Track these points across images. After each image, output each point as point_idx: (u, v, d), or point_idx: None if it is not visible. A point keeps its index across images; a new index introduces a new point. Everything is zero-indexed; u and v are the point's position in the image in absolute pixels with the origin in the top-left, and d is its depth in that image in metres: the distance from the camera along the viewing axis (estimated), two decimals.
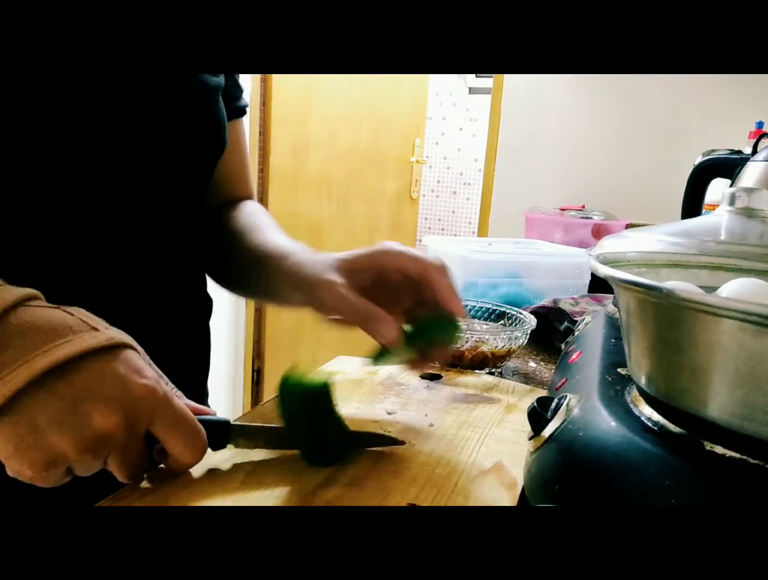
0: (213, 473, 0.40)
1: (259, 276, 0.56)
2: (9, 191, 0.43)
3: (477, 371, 0.65)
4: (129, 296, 0.50)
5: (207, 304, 0.64)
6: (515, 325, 0.71)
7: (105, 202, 0.47)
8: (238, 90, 0.66)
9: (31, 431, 0.31)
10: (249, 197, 0.71)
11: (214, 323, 0.64)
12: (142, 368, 0.35)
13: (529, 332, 0.66)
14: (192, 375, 0.61)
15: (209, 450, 0.40)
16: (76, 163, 0.45)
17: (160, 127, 0.49)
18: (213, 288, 0.65)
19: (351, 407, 0.52)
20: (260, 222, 0.61)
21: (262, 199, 2.04)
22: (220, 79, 0.57)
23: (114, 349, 0.35)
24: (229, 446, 0.42)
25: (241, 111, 0.67)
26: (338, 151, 2.25)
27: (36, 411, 0.31)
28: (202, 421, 0.39)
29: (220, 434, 0.41)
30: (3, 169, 0.42)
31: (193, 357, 0.62)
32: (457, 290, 0.46)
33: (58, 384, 0.32)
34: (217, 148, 0.57)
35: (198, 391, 0.63)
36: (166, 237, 0.54)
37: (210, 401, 0.69)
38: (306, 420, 0.42)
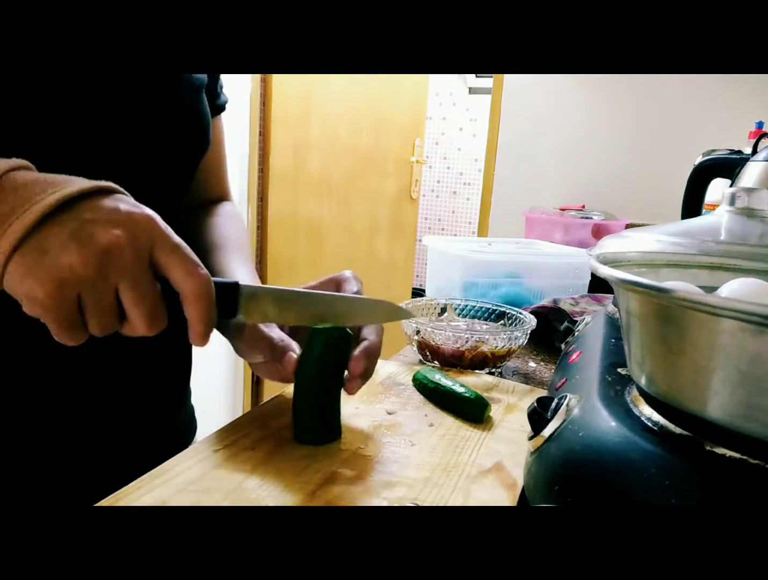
0: (213, 473, 0.40)
1: None
2: None
3: (477, 371, 0.65)
4: None
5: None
6: (515, 325, 0.71)
7: None
8: (219, 86, 0.65)
9: (41, 254, 0.33)
10: (224, 197, 0.71)
11: None
12: (141, 205, 0.37)
13: (529, 332, 0.66)
14: (173, 375, 0.61)
15: (217, 339, 0.41)
16: (61, 158, 0.44)
17: (144, 124, 0.49)
18: None
19: (351, 407, 0.52)
20: (226, 240, 0.61)
21: (262, 199, 2.04)
22: (203, 76, 0.57)
23: (112, 191, 0.37)
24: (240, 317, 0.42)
25: (221, 108, 0.66)
26: (338, 152, 2.25)
27: (44, 240, 0.34)
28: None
29: (229, 297, 0.41)
30: None
31: (174, 356, 0.61)
32: (373, 355, 0.46)
33: (64, 217, 0.34)
34: (201, 146, 0.57)
35: (179, 390, 0.63)
36: None
37: (210, 401, 0.69)
38: (331, 366, 0.44)
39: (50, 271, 0.33)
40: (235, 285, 0.41)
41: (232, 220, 0.66)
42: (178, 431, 0.62)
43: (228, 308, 0.41)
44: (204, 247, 0.60)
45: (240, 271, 0.56)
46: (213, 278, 0.39)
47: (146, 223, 0.36)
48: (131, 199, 0.37)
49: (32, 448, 0.48)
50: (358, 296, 0.47)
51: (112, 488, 0.37)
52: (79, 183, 0.35)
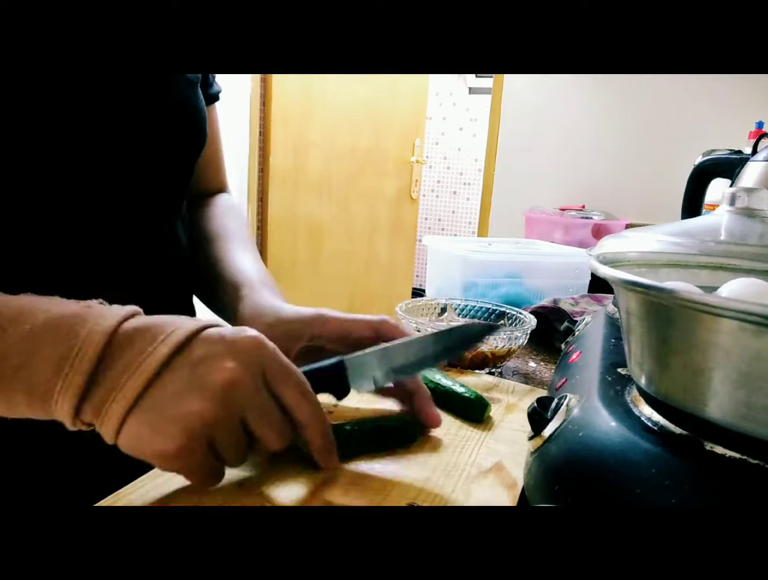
0: None
1: (212, 297, 0.57)
2: None
3: (477, 371, 0.65)
4: (111, 295, 0.50)
5: (190, 310, 0.63)
6: (515, 325, 0.71)
7: (87, 199, 0.47)
8: (210, 76, 0.65)
9: (161, 408, 0.32)
10: (223, 190, 0.70)
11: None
12: (245, 329, 0.37)
13: (529, 332, 0.66)
14: None
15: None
16: (58, 160, 0.44)
17: (141, 122, 0.49)
18: None
19: (351, 408, 0.52)
20: (226, 229, 0.61)
21: (262, 199, 2.04)
22: None
23: (213, 326, 0.37)
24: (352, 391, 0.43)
25: (215, 97, 0.66)
26: (338, 152, 2.25)
27: (162, 392, 0.33)
28: (313, 370, 0.41)
29: (336, 377, 0.42)
30: None
31: None
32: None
33: (176, 363, 0.34)
34: (198, 141, 0.57)
35: None
36: (152, 235, 0.53)
37: None
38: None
39: (177, 423, 0.32)
40: (340, 363, 0.42)
41: (230, 211, 0.66)
42: None
43: (340, 388, 0.42)
44: (203, 238, 0.61)
45: (245, 259, 0.56)
46: (316, 365, 0.41)
47: (254, 348, 0.36)
48: (231, 328, 0.37)
49: (35, 447, 0.48)
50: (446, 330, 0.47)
51: (118, 486, 0.37)
52: (185, 325, 0.35)
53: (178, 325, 0.35)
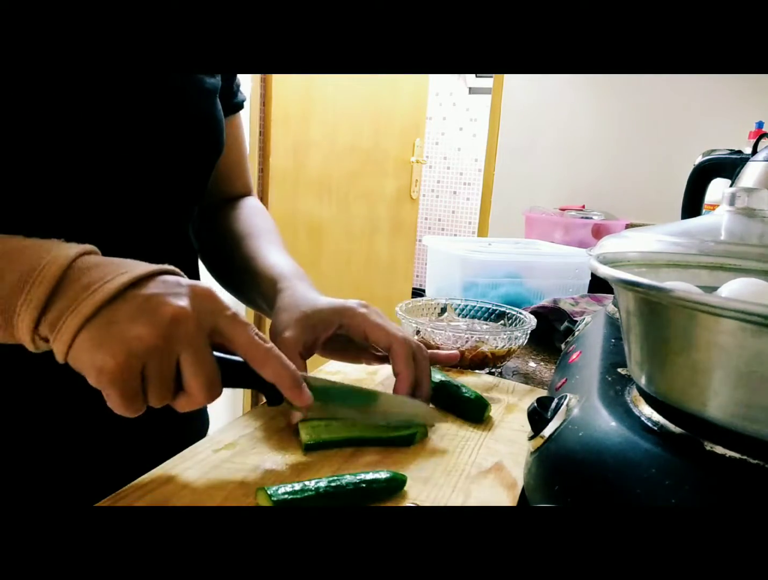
0: (213, 472, 0.40)
1: (250, 290, 0.59)
2: (11, 191, 0.43)
3: (477, 371, 0.65)
4: None
5: None
6: (515, 325, 0.71)
7: (100, 203, 0.47)
8: (235, 85, 0.66)
9: (110, 326, 0.35)
10: (248, 193, 0.72)
11: None
12: (199, 282, 0.40)
13: (529, 332, 0.66)
14: None
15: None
16: (71, 166, 0.45)
17: (159, 131, 0.50)
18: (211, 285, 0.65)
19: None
20: (257, 228, 0.63)
21: (263, 199, 2.04)
22: (217, 81, 0.57)
23: (173, 272, 0.40)
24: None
25: (239, 106, 0.67)
26: (338, 151, 2.25)
27: (114, 313, 0.35)
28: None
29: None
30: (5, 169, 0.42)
31: None
32: (413, 374, 0.49)
33: (132, 293, 0.36)
34: (215, 150, 0.58)
35: None
36: (163, 239, 0.54)
37: None
38: None
39: (121, 342, 0.35)
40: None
41: (258, 212, 0.67)
42: (192, 427, 0.62)
43: (275, 393, 0.41)
44: (234, 237, 0.62)
45: (279, 255, 0.58)
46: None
47: (208, 296, 0.38)
48: (188, 279, 0.40)
49: (36, 447, 0.48)
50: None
51: (118, 486, 0.37)
52: (144, 266, 0.38)
53: (137, 264, 0.38)
